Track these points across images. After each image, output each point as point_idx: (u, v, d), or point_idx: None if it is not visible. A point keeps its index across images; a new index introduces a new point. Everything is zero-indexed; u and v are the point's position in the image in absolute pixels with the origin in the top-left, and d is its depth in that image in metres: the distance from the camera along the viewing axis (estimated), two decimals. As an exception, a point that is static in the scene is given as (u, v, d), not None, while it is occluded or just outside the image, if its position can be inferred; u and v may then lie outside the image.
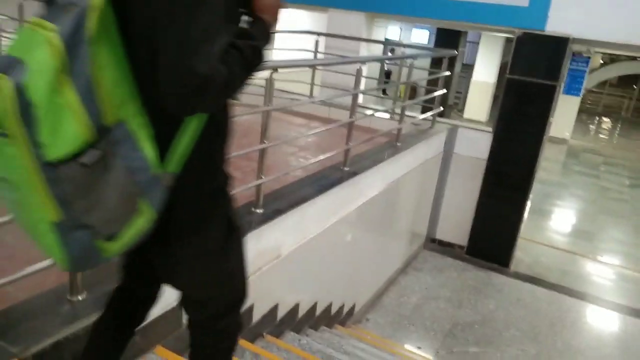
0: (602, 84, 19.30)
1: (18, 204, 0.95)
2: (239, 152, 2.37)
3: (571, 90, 12.68)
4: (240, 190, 2.42)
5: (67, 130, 0.88)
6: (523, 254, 6.40)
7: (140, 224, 1.02)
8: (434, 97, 5.70)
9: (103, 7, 0.92)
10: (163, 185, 1.03)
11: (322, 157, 3.39)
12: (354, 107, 3.62)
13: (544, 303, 5.54)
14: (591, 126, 17.35)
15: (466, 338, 4.73)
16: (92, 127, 0.90)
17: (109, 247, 1.01)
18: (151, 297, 1.42)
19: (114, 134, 0.94)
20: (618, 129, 17.60)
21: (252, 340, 2.65)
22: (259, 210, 2.73)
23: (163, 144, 1.03)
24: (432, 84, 5.98)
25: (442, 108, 6.04)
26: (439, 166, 6.13)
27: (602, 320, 5.42)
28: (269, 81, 2.53)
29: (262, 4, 1.09)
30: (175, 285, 1.27)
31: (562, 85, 5.62)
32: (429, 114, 5.78)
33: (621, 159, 12.87)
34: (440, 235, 6.52)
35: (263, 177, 2.69)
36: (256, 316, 2.84)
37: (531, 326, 5.03)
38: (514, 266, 6.15)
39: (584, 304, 5.66)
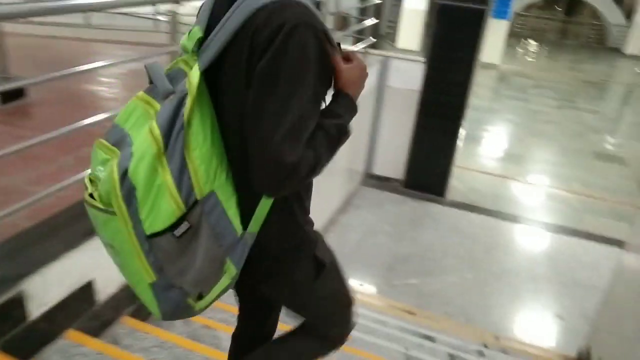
0: (530, 6, 19.53)
1: (122, 266, 1.09)
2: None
3: (500, 13, 12.70)
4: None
5: (163, 208, 0.97)
6: (458, 182, 6.51)
7: (225, 282, 1.08)
8: (365, 28, 5.44)
9: (198, 94, 0.98)
10: (245, 245, 1.08)
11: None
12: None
13: (479, 229, 5.69)
14: (520, 50, 17.68)
15: (406, 270, 4.79)
16: (184, 203, 0.98)
17: (197, 304, 1.10)
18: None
19: (204, 206, 1.01)
20: (545, 52, 18.05)
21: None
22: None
23: (245, 207, 1.07)
24: (363, 14, 5.71)
25: (374, 39, 5.81)
26: (373, 100, 5.98)
27: (533, 241, 5.65)
28: (173, 17, 2.22)
29: (348, 80, 1.07)
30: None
31: (491, 9, 5.49)
32: (360, 45, 5.54)
33: (548, 81, 13.26)
34: (378, 170, 6.48)
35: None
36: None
37: (468, 253, 5.17)
38: (450, 195, 6.25)
39: (516, 226, 5.87)
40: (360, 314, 3.42)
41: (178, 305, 1.08)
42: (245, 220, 1.07)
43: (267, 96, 0.94)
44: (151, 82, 1.05)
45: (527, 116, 10.23)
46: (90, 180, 1.05)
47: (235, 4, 0.98)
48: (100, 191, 1.00)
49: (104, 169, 1.01)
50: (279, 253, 1.17)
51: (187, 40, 1.03)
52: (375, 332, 3.07)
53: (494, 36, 11.93)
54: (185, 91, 0.98)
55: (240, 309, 1.47)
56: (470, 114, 6.01)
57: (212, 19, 1.02)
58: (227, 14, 0.98)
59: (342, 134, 1.05)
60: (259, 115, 0.95)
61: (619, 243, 5.09)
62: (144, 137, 0.97)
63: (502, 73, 13.49)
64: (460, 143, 5.98)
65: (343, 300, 1.38)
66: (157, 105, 1.01)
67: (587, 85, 14.02)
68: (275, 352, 1.42)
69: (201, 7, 1.07)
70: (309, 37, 0.95)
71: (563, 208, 6.47)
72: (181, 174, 0.97)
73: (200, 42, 1.01)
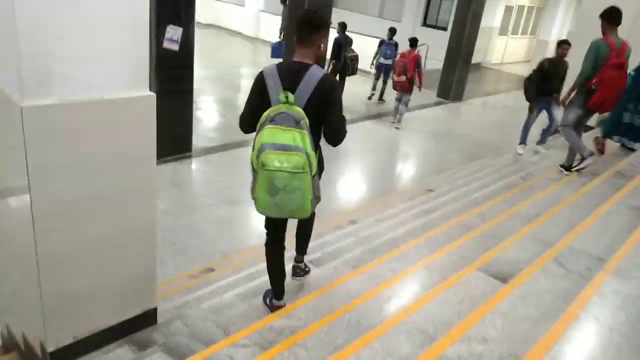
0: None
1: (299, 197, 2.34)
2: None
3: None
4: None
5: (314, 166, 2.37)
6: None
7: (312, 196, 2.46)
8: None
9: (304, 114, 2.37)
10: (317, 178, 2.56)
11: None
12: None
13: None
14: None
15: None
16: (312, 166, 2.35)
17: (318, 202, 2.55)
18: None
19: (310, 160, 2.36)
20: None
21: None
22: None
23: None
24: None
25: None
26: None
27: None
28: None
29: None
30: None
31: None
32: None
33: None
34: None
35: None
36: None
37: None
38: None
39: None
40: None
41: (314, 206, 2.47)
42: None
43: (334, 110, 2.48)
44: (271, 120, 2.32)
45: None
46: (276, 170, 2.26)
47: (306, 77, 2.43)
48: (291, 168, 2.23)
49: (285, 160, 2.23)
50: (321, 165, 2.70)
51: (284, 99, 2.32)
52: None
53: None
54: (301, 117, 2.30)
55: (277, 227, 2.84)
56: None
57: (285, 86, 2.41)
58: (304, 83, 2.42)
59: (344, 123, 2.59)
60: (332, 119, 2.48)
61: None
62: (303, 140, 2.28)
63: None
64: None
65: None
66: (286, 128, 2.28)
67: None
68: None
69: (267, 81, 2.45)
70: (340, 90, 2.78)
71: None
72: (310, 142, 2.33)
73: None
